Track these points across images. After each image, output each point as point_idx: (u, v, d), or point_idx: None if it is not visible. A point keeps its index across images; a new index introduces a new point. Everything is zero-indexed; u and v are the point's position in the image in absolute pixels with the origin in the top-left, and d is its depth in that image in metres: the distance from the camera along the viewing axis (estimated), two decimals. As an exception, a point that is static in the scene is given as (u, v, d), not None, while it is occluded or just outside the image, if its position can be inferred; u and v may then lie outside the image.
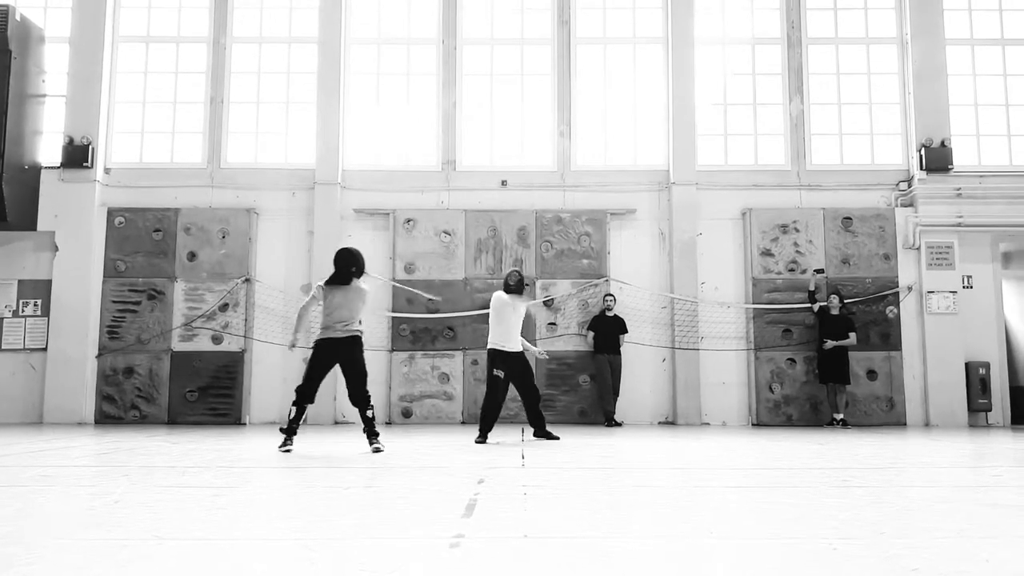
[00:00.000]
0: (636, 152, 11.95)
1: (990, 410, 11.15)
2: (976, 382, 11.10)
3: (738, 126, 12.00)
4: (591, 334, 10.88)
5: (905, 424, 10.97)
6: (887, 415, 10.99)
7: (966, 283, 11.43)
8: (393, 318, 11.12)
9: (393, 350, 11.14)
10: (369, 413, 6.81)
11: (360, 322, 6.96)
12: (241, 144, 11.91)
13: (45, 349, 11.06)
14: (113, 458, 6.20)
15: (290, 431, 6.72)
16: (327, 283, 6.87)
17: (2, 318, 11.21)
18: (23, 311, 11.22)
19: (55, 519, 3.48)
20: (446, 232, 11.37)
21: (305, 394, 6.79)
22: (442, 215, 11.42)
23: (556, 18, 12.03)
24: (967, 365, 11.15)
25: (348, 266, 6.85)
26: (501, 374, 7.75)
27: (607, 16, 12.17)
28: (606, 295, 11.02)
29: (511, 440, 8.05)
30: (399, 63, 12.13)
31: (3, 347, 11.14)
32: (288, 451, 6.59)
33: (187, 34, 12.09)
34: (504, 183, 11.64)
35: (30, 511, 3.67)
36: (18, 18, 11.01)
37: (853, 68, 12.05)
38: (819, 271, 11.05)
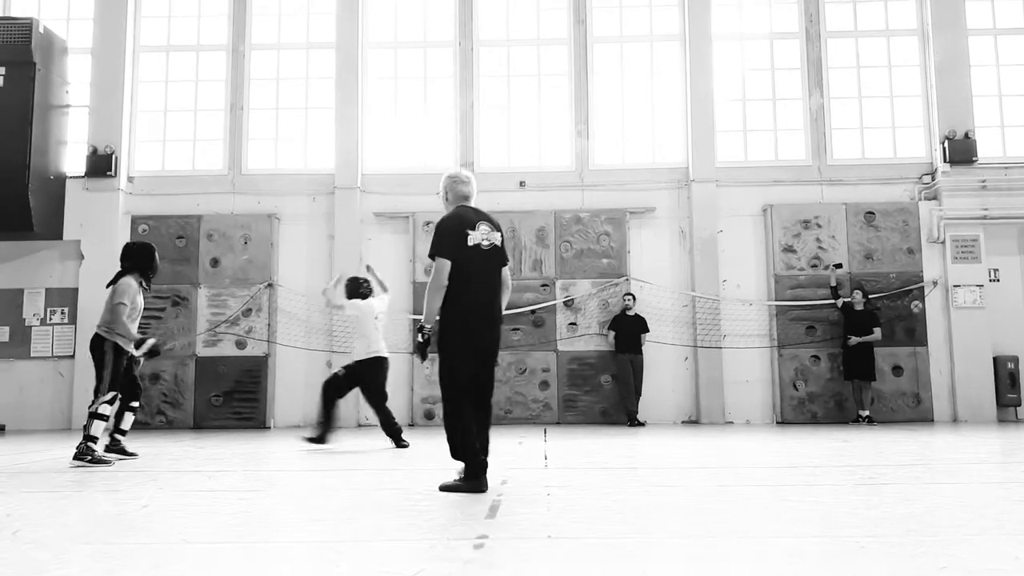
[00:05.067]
0: (655, 150, 11.90)
1: (1019, 404, 10.98)
2: (1004, 376, 10.94)
3: (757, 122, 11.92)
4: (612, 334, 10.85)
5: (932, 420, 10.84)
6: (914, 411, 10.86)
7: (992, 276, 11.27)
8: (414, 320, 11.16)
9: (414, 352, 11.16)
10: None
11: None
12: (261, 150, 12.01)
13: (73, 356, 11.21)
14: (141, 463, 6.27)
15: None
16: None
17: (30, 326, 11.38)
18: (51, 319, 11.38)
19: (85, 524, 3.53)
20: (466, 234, 11.37)
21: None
22: (461, 217, 11.42)
23: (572, 17, 12.01)
24: (995, 359, 10.99)
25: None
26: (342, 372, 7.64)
27: (623, 14, 12.13)
28: (626, 294, 10.98)
29: (533, 441, 8.04)
30: (416, 66, 12.17)
31: (32, 355, 11.31)
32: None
33: (206, 42, 12.21)
34: (522, 184, 11.64)
35: (60, 516, 3.73)
36: (41, 30, 11.17)
37: (873, 61, 11.92)
38: (837, 266, 10.95)
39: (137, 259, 6.47)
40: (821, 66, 11.80)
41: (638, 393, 10.66)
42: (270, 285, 11.34)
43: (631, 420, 10.52)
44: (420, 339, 4.47)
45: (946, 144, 11.26)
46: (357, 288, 7.86)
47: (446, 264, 4.39)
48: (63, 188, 11.49)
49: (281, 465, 6.12)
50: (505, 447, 7.32)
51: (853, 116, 11.81)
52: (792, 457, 6.28)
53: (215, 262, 11.37)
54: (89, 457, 6.00)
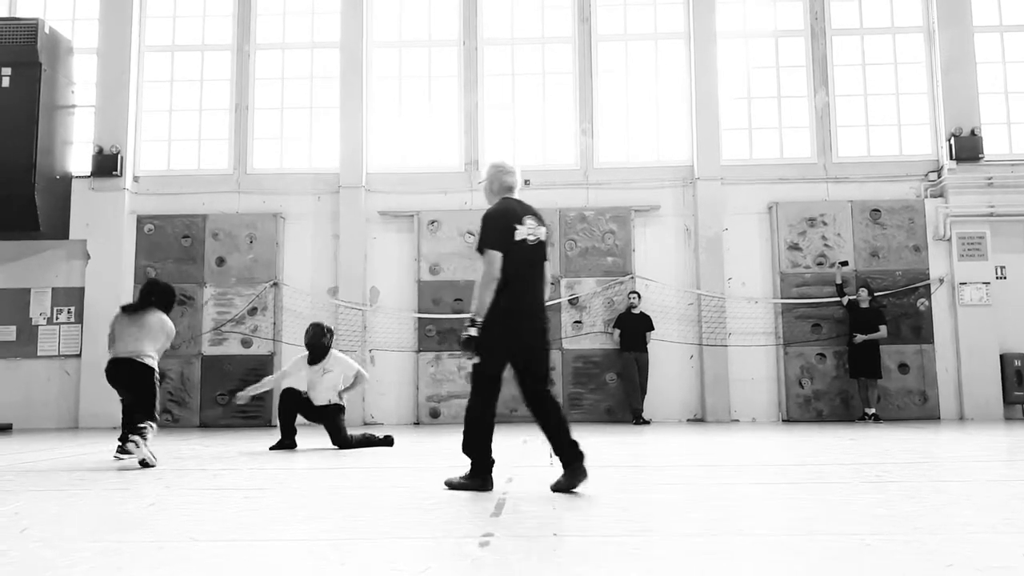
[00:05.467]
0: (659, 148, 11.89)
1: (1026, 402, 10.95)
2: (1012, 374, 10.90)
3: (762, 120, 11.90)
4: (617, 332, 10.84)
5: (939, 418, 10.81)
6: (920, 409, 10.83)
7: (999, 274, 11.23)
8: (419, 319, 11.17)
9: (420, 351, 11.19)
10: None
11: None
12: (266, 149, 12.03)
13: (79, 355, 11.24)
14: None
15: None
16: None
17: (37, 325, 11.42)
18: (57, 318, 11.42)
19: (92, 522, 3.54)
20: (470, 232, 11.38)
21: None
22: (466, 216, 11.45)
23: (576, 16, 12.00)
24: (1002, 357, 10.96)
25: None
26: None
27: (628, 12, 12.12)
28: (631, 292, 10.98)
29: (538, 440, 8.04)
30: (420, 65, 12.17)
31: (39, 354, 11.36)
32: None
33: (211, 42, 12.24)
34: (527, 182, 11.45)
35: (68, 514, 3.74)
36: (47, 31, 11.21)
37: (879, 58, 11.89)
38: (843, 263, 10.93)
39: (161, 299, 6.69)
40: (826, 64, 11.77)
41: (643, 391, 10.66)
42: (275, 284, 11.37)
43: (636, 418, 10.51)
44: (471, 333, 4.28)
45: (952, 141, 11.23)
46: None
47: (497, 256, 4.26)
48: (69, 188, 11.53)
49: (286, 464, 6.13)
50: (510, 445, 7.32)
51: (859, 114, 11.78)
52: (798, 455, 6.27)
53: (220, 261, 11.40)
54: (141, 449, 5.92)
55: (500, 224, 4.37)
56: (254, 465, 5.96)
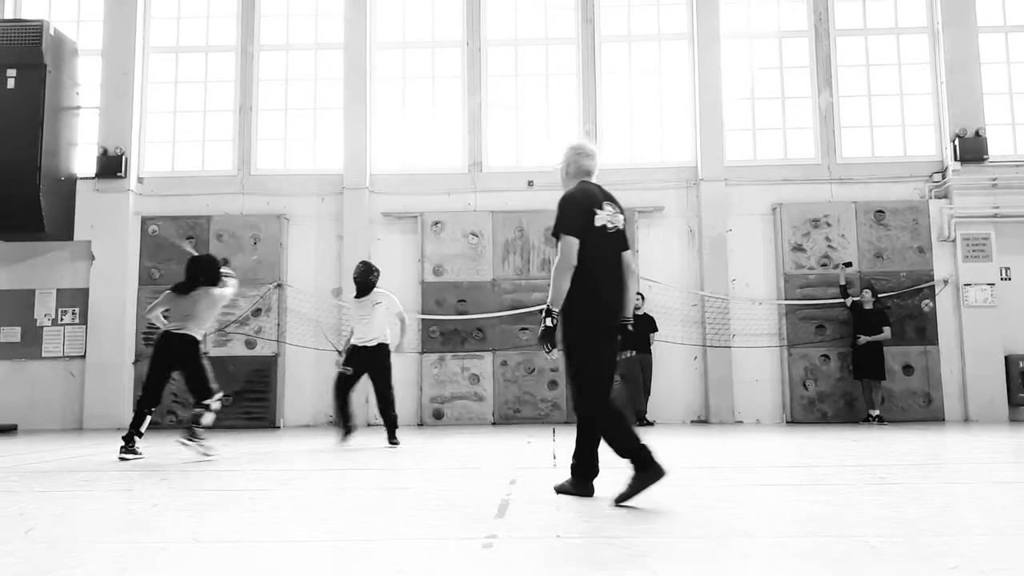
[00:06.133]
0: (663, 149, 11.88)
1: (1031, 404, 10.92)
2: (1016, 376, 10.87)
3: (766, 120, 11.88)
4: (620, 333, 10.80)
5: (943, 420, 10.78)
6: (924, 411, 10.80)
7: (1004, 275, 11.20)
8: (423, 320, 11.17)
9: (423, 352, 11.19)
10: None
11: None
12: (270, 151, 12.05)
13: (84, 356, 11.27)
14: (151, 462, 6.30)
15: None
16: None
17: (42, 327, 11.45)
18: (62, 319, 11.44)
19: (96, 523, 3.55)
20: (474, 234, 11.40)
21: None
22: (469, 217, 11.45)
23: (580, 17, 12.01)
24: (1007, 358, 10.93)
25: None
26: (349, 370, 7.75)
27: (631, 13, 12.12)
28: (635, 293, 10.95)
29: (542, 440, 8.04)
30: (424, 66, 12.18)
31: (43, 355, 11.38)
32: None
33: (215, 43, 12.26)
34: (531, 183, 11.63)
35: (72, 515, 3.75)
36: (52, 32, 11.23)
37: (883, 59, 11.87)
38: (847, 264, 10.92)
39: (208, 275, 6.89)
40: (830, 64, 11.76)
41: (647, 392, 10.64)
42: (279, 285, 11.38)
43: (639, 420, 10.49)
44: (548, 324, 3.94)
45: (956, 142, 11.20)
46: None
47: (574, 242, 3.96)
48: (74, 189, 11.55)
49: (291, 465, 6.14)
50: (514, 447, 7.33)
51: (863, 114, 11.76)
52: (802, 457, 6.26)
53: (225, 262, 11.38)
54: (199, 443, 6.48)
55: (579, 208, 4.06)
56: (258, 466, 5.97)
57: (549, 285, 4.02)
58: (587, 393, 4.01)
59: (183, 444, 6.46)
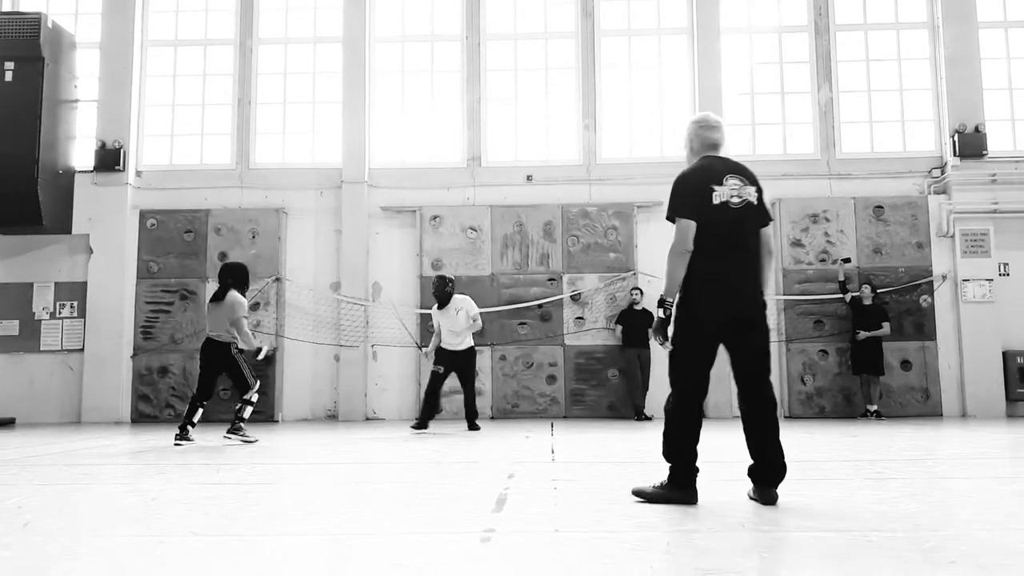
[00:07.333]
0: (662, 143, 11.86)
1: (1029, 399, 10.94)
2: (1014, 371, 10.88)
3: (766, 115, 11.86)
4: (619, 328, 10.83)
5: (941, 415, 10.80)
6: (922, 406, 10.82)
7: (1002, 270, 11.20)
8: (421, 314, 11.16)
9: (422, 346, 11.17)
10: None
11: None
12: (269, 144, 12.02)
13: (82, 350, 11.26)
14: (149, 456, 6.30)
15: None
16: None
17: (40, 320, 11.44)
18: (60, 313, 11.43)
19: (95, 517, 3.55)
20: (472, 228, 11.38)
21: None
22: (468, 211, 11.44)
23: (580, 11, 11.97)
24: (1004, 354, 10.93)
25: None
26: (440, 369, 8.63)
27: (631, 8, 12.09)
28: (633, 288, 10.96)
29: (541, 435, 8.05)
30: (423, 60, 12.15)
31: (41, 348, 11.37)
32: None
33: (214, 37, 12.22)
34: (530, 178, 11.62)
35: (70, 509, 3.75)
36: (50, 25, 11.19)
37: (883, 54, 11.85)
38: (846, 260, 10.91)
39: (237, 279, 7.57)
40: (830, 59, 11.74)
41: (645, 387, 10.65)
42: (278, 279, 11.37)
43: (638, 415, 10.51)
44: (662, 315, 3.71)
45: (956, 138, 11.20)
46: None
47: (690, 225, 3.68)
48: (72, 182, 11.53)
49: (289, 459, 6.14)
50: (512, 441, 7.33)
51: (862, 110, 11.75)
52: (800, 451, 6.27)
53: (223, 256, 11.38)
54: (242, 434, 7.38)
55: (692, 187, 3.76)
56: (256, 460, 5.97)
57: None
58: (672, 389, 3.79)
59: (227, 438, 7.32)
